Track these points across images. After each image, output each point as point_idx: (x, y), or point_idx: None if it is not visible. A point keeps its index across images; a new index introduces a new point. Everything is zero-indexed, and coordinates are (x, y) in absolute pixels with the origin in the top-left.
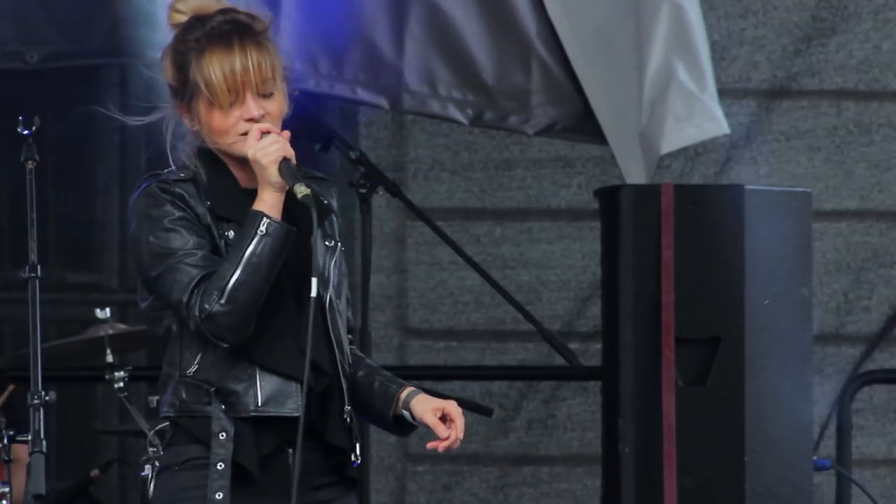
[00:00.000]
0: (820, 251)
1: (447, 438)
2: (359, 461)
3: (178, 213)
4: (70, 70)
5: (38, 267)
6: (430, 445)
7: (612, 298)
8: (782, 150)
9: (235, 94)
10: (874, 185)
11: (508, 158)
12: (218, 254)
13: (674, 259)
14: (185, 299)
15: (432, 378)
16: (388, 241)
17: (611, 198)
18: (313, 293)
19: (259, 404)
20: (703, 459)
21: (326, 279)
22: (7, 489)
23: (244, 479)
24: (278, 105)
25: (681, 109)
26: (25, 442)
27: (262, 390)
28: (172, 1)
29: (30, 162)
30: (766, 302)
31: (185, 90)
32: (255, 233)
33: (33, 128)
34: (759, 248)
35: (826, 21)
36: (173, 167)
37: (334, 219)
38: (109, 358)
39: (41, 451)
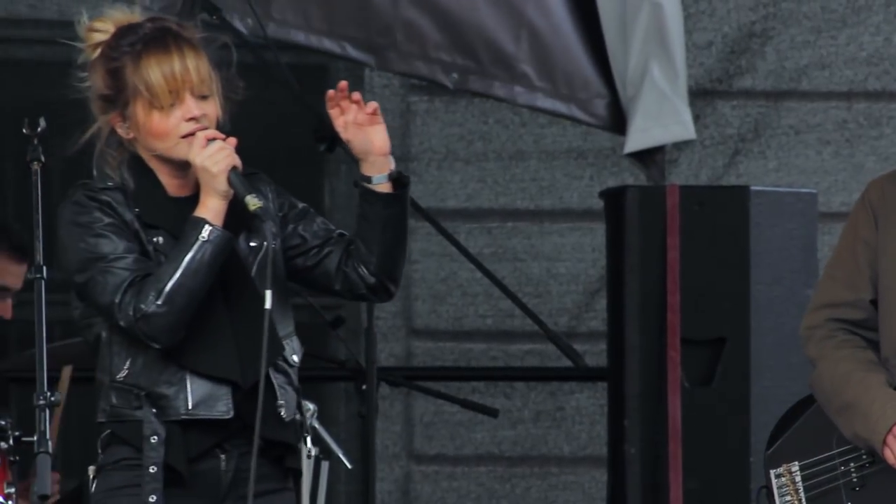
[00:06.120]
0: (829, 245)
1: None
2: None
3: (106, 220)
4: None
5: (44, 268)
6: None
7: (617, 299)
8: (791, 144)
9: (175, 94)
10: None
11: (522, 149)
12: (147, 258)
13: (679, 260)
14: (117, 300)
15: (437, 378)
16: None
17: (616, 199)
18: (267, 305)
19: (190, 407)
20: (709, 460)
21: (251, 281)
22: (12, 490)
23: (175, 482)
24: (215, 109)
25: (651, 109)
26: (31, 442)
27: (193, 394)
28: (89, 23)
29: (35, 163)
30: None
31: (119, 97)
32: (197, 238)
33: (38, 129)
34: (764, 250)
35: (836, 13)
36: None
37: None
38: None
39: (46, 452)
